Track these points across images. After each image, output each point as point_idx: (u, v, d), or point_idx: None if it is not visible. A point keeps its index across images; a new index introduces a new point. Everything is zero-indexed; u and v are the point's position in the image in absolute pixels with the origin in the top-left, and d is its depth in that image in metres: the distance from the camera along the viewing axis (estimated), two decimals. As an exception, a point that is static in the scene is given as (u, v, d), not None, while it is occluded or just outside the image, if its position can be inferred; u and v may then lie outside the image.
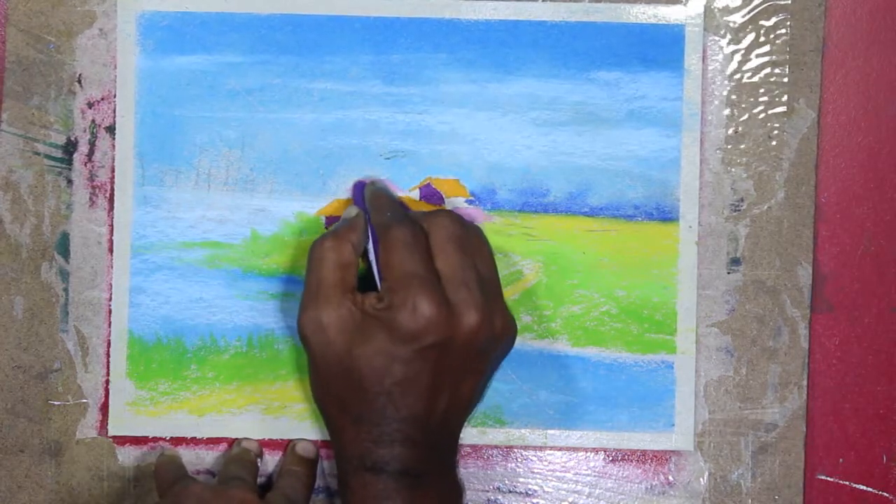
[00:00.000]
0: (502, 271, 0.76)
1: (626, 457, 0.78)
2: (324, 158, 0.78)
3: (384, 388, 0.68)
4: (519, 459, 0.78)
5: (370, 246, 0.72)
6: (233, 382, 0.77)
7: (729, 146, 0.77)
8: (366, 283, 0.72)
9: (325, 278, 0.70)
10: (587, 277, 0.78)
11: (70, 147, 0.78)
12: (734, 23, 0.77)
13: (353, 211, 0.74)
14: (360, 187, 0.76)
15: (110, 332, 0.77)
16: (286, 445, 0.77)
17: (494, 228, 0.77)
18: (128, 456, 0.78)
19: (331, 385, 0.69)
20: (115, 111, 0.77)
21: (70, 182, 0.78)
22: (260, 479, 0.77)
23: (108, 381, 0.78)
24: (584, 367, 0.77)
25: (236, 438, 0.77)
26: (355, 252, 0.71)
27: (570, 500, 0.78)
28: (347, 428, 0.69)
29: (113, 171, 0.78)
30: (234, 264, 0.78)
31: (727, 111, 0.77)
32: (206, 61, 0.77)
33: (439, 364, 0.68)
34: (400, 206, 0.75)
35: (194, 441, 0.78)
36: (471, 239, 0.71)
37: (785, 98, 0.77)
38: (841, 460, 0.78)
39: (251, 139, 0.78)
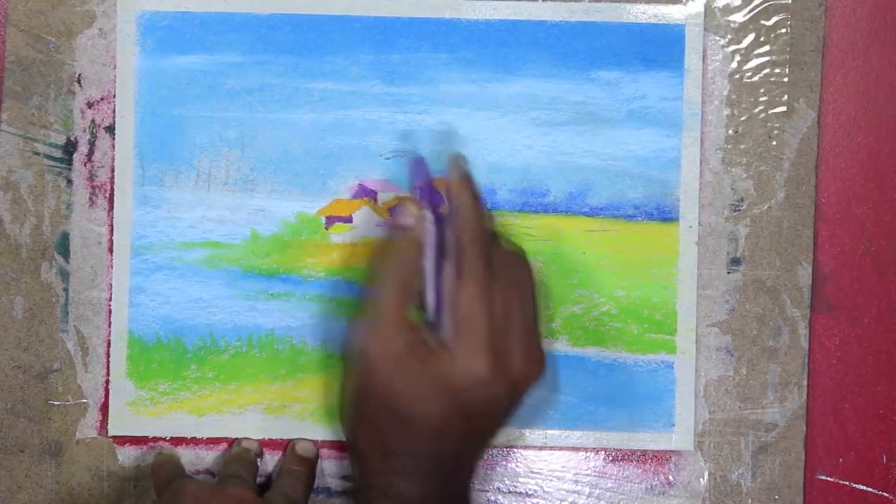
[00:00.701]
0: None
1: (626, 457, 0.78)
2: (324, 158, 0.78)
3: (421, 429, 0.67)
4: (519, 459, 0.78)
5: (429, 256, 0.69)
6: (233, 382, 0.77)
7: (729, 146, 0.77)
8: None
9: (386, 302, 0.67)
10: (587, 277, 0.78)
11: (70, 147, 0.78)
12: (734, 22, 0.77)
13: (413, 215, 0.70)
14: (418, 167, 0.72)
15: (110, 332, 0.77)
16: (286, 445, 0.77)
17: (494, 228, 0.77)
18: (128, 456, 0.78)
19: (365, 415, 0.68)
20: (114, 111, 0.77)
21: (70, 182, 0.77)
22: (259, 479, 0.77)
23: (108, 381, 0.78)
24: (584, 367, 0.77)
25: (236, 438, 0.77)
26: (416, 268, 0.69)
27: (570, 500, 0.78)
28: (375, 459, 0.68)
29: (113, 171, 0.77)
30: (234, 264, 0.78)
31: (727, 111, 0.77)
32: (205, 61, 0.77)
33: (478, 413, 0.67)
34: (491, 218, 0.71)
35: (194, 441, 0.78)
36: (533, 287, 0.69)
37: (785, 98, 0.77)
38: (841, 460, 0.78)
39: (251, 139, 0.78)
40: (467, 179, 0.71)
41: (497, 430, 0.70)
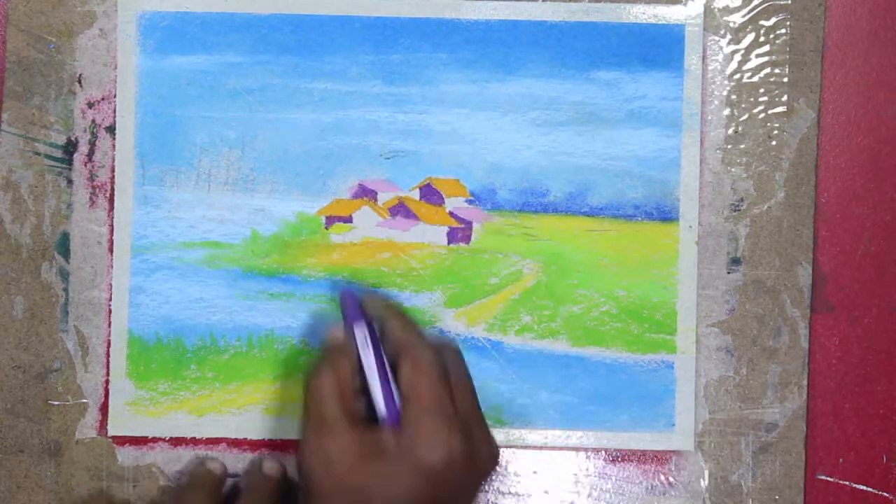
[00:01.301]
0: (502, 271, 0.76)
1: (627, 457, 0.78)
2: (324, 158, 0.78)
3: None
4: (519, 459, 0.78)
5: (369, 367, 0.69)
6: (233, 382, 0.77)
7: (729, 146, 0.77)
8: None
9: (328, 413, 0.67)
10: (587, 277, 0.78)
11: (70, 147, 0.78)
12: (734, 23, 0.77)
13: (340, 336, 0.70)
14: (349, 298, 0.72)
15: (110, 332, 0.77)
16: (250, 462, 0.77)
17: (494, 228, 0.77)
18: (127, 456, 0.78)
19: None
20: (115, 111, 0.77)
21: (70, 182, 0.78)
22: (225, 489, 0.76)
23: (107, 381, 0.77)
24: (584, 367, 0.77)
25: (198, 456, 0.77)
26: (353, 378, 0.69)
27: (570, 500, 0.78)
28: None
29: (113, 171, 0.78)
30: (234, 264, 0.78)
31: (727, 111, 0.77)
32: (206, 61, 0.77)
33: (449, 495, 0.67)
34: (411, 317, 0.72)
35: (194, 441, 0.78)
36: (468, 373, 0.71)
37: (785, 98, 0.77)
38: (841, 460, 0.78)
39: (251, 139, 0.78)
40: (383, 299, 0.74)
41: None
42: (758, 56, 0.77)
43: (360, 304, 0.72)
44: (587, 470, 0.78)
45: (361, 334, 0.70)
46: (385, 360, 0.69)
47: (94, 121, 0.78)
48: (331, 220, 0.78)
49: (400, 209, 0.78)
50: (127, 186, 0.77)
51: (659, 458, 0.78)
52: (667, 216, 0.77)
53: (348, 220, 0.77)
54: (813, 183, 0.77)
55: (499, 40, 0.77)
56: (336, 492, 0.66)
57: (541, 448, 0.78)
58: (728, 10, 0.77)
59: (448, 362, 0.69)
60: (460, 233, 0.78)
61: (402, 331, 0.70)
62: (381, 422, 0.68)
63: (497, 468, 0.72)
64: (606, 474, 0.78)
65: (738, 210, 0.77)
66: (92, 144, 0.78)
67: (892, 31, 0.78)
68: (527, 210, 0.78)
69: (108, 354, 0.77)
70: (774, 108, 0.77)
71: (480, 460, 0.68)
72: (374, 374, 0.69)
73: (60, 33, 0.77)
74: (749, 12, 0.77)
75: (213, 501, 0.74)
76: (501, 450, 0.77)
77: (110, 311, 0.77)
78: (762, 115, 0.77)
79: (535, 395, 0.77)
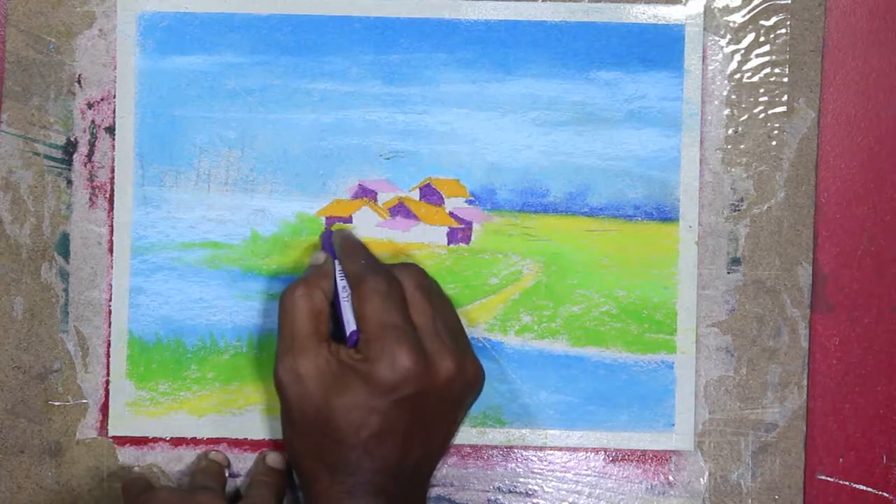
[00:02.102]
0: (502, 272, 0.76)
1: (626, 457, 0.78)
2: (324, 158, 0.78)
3: (360, 440, 0.68)
4: (519, 459, 0.78)
5: (339, 292, 0.71)
6: (233, 383, 0.77)
7: (729, 146, 0.77)
8: (335, 331, 0.72)
9: (299, 328, 0.69)
10: (587, 277, 0.78)
11: (70, 147, 0.78)
12: (734, 23, 0.77)
13: (322, 257, 0.73)
14: (328, 235, 0.75)
15: (110, 332, 0.77)
16: (257, 455, 0.77)
17: (494, 228, 0.77)
18: (128, 456, 0.78)
19: (306, 435, 0.69)
20: (114, 111, 0.77)
21: (70, 182, 0.77)
22: (229, 490, 0.77)
23: (108, 382, 0.78)
24: (584, 367, 0.77)
25: (203, 452, 0.77)
26: (326, 299, 0.71)
27: (570, 500, 0.78)
28: (322, 479, 0.68)
29: (113, 171, 0.77)
30: (234, 264, 0.78)
31: (727, 111, 0.77)
32: (205, 62, 0.77)
33: (415, 414, 0.68)
34: (372, 254, 0.74)
35: (194, 441, 0.78)
36: (436, 290, 0.72)
37: (785, 98, 0.77)
38: (841, 460, 0.78)
39: (251, 139, 0.78)
40: (342, 231, 0.76)
41: (440, 432, 0.70)
42: (758, 56, 0.77)
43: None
44: (587, 470, 0.78)
45: (338, 266, 0.72)
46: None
47: (93, 121, 0.78)
48: (331, 221, 0.78)
49: (400, 209, 0.78)
50: (126, 187, 0.77)
51: (659, 457, 0.78)
52: (667, 216, 0.77)
53: (348, 220, 0.77)
54: (813, 183, 0.77)
55: (498, 40, 0.77)
56: (305, 409, 0.69)
57: (541, 448, 0.78)
58: (728, 10, 0.77)
59: (405, 284, 0.70)
60: (460, 233, 0.78)
61: (351, 265, 0.72)
62: (348, 342, 0.70)
63: (476, 387, 0.71)
64: (606, 474, 0.78)
65: (738, 210, 0.77)
66: (91, 145, 0.78)
67: (892, 31, 0.78)
68: (527, 210, 0.78)
69: (108, 355, 0.78)
70: (774, 108, 0.77)
71: (445, 376, 0.69)
72: (343, 295, 0.71)
73: (60, 34, 0.77)
74: (749, 12, 0.77)
75: (219, 486, 0.75)
76: (502, 449, 0.78)
77: (110, 312, 0.77)
78: (762, 115, 0.77)
79: (535, 395, 0.77)
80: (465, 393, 0.71)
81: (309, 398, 0.68)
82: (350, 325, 0.70)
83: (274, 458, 0.76)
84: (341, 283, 0.72)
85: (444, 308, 0.72)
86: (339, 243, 0.74)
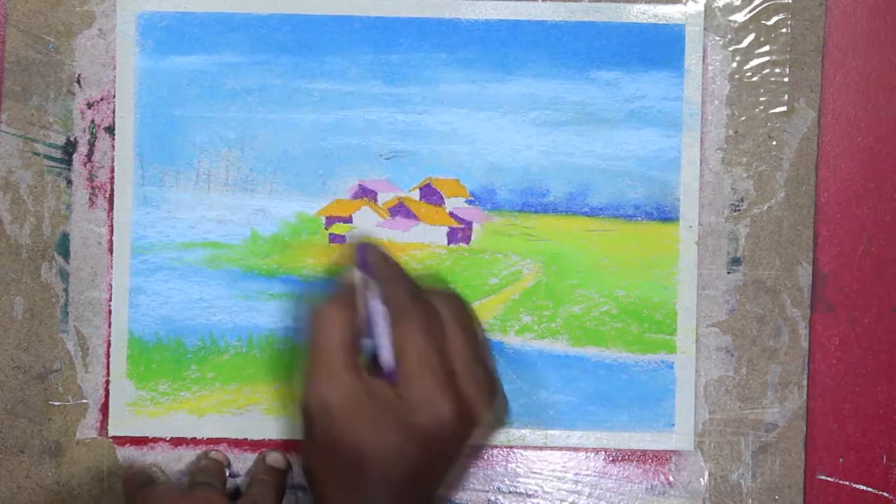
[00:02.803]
0: (502, 272, 0.76)
1: (626, 457, 0.78)
2: (324, 158, 0.78)
3: (388, 477, 0.66)
4: (519, 459, 0.78)
5: (373, 315, 0.69)
6: (233, 383, 0.77)
7: (729, 146, 0.77)
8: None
9: (332, 354, 0.67)
10: (587, 277, 0.78)
11: (69, 147, 0.77)
12: (734, 22, 0.77)
13: (357, 276, 0.71)
14: (363, 250, 0.72)
15: (110, 332, 0.77)
16: (257, 455, 0.77)
17: (494, 228, 0.77)
18: (128, 456, 0.78)
19: (330, 462, 0.67)
20: (114, 111, 0.77)
21: (70, 182, 0.77)
22: (229, 487, 0.77)
23: (108, 382, 0.78)
24: (584, 367, 0.77)
25: (203, 451, 0.77)
26: (361, 322, 0.69)
27: (570, 500, 0.78)
28: (337, 501, 0.67)
29: (113, 171, 0.77)
30: (234, 264, 0.78)
31: (727, 111, 0.77)
32: (205, 61, 0.77)
33: (444, 457, 0.68)
34: (412, 280, 0.71)
35: (194, 441, 0.78)
36: (471, 319, 0.71)
37: (785, 98, 0.77)
38: (841, 460, 0.78)
39: (251, 139, 0.77)
40: (379, 250, 0.72)
41: (461, 466, 0.70)
42: (758, 56, 0.77)
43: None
44: (587, 470, 0.78)
45: (374, 285, 0.70)
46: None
47: (93, 121, 0.77)
48: (331, 221, 0.78)
49: (400, 209, 0.78)
50: (126, 187, 0.77)
51: (659, 457, 0.78)
52: (667, 216, 0.77)
53: (348, 220, 0.77)
54: (813, 183, 0.77)
55: (498, 40, 0.77)
56: (332, 439, 0.66)
57: (541, 448, 0.78)
58: (728, 10, 0.77)
59: (445, 319, 0.69)
60: (460, 233, 0.78)
61: (393, 294, 0.69)
62: (383, 372, 0.68)
63: (504, 425, 0.72)
64: (606, 474, 0.78)
65: (738, 210, 0.77)
66: (91, 145, 0.78)
67: (892, 31, 0.78)
68: (527, 210, 0.77)
69: (108, 355, 0.78)
70: (774, 108, 0.77)
71: (479, 423, 0.68)
72: (382, 323, 0.69)
73: (59, 33, 0.77)
74: (749, 12, 0.77)
75: (219, 483, 0.75)
76: (502, 449, 0.78)
77: (110, 312, 0.77)
78: (762, 115, 0.77)
79: (535, 395, 0.77)
80: (493, 431, 0.71)
81: (337, 429, 0.66)
82: (386, 352, 0.68)
83: (274, 458, 0.76)
84: (377, 305, 0.69)
85: (476, 341, 0.70)
86: (378, 264, 0.71)
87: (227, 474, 0.77)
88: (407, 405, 0.66)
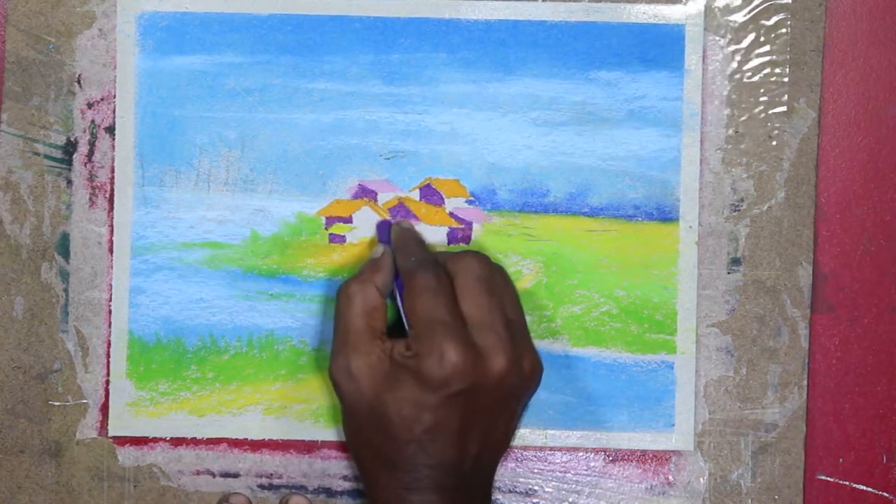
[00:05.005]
0: (502, 271, 0.76)
1: (626, 457, 0.78)
2: (324, 158, 0.78)
3: (414, 435, 0.67)
4: (519, 459, 0.78)
5: (399, 286, 0.72)
6: (233, 383, 0.77)
7: (729, 146, 0.77)
8: (398, 324, 0.72)
9: (352, 325, 0.70)
10: (587, 277, 0.78)
11: (70, 147, 0.78)
12: (734, 22, 0.77)
13: (379, 250, 0.73)
14: (385, 226, 0.75)
15: (110, 332, 0.77)
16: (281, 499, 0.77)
17: (494, 228, 0.77)
18: (128, 456, 0.78)
19: (363, 432, 0.69)
20: (114, 111, 0.77)
21: (70, 182, 0.77)
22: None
23: (108, 382, 0.78)
24: (584, 367, 0.77)
25: (224, 495, 0.77)
26: (382, 294, 0.71)
27: (570, 500, 0.78)
28: (381, 475, 0.69)
29: (113, 171, 0.77)
30: (234, 264, 0.78)
31: (727, 111, 0.77)
32: (205, 61, 0.77)
33: (468, 409, 0.68)
34: (426, 248, 0.74)
35: (194, 441, 0.78)
36: (496, 280, 0.71)
37: (785, 98, 0.77)
38: (841, 460, 0.78)
39: (251, 139, 0.78)
40: (401, 222, 0.76)
41: (498, 427, 0.70)
42: (758, 56, 0.77)
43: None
44: (587, 470, 0.78)
45: (391, 258, 0.73)
46: None
47: (93, 121, 0.78)
48: (331, 221, 0.78)
49: (400, 210, 0.78)
50: (126, 187, 0.77)
51: (659, 457, 0.78)
52: (667, 216, 0.77)
53: (348, 220, 0.77)
54: (813, 183, 0.77)
55: (498, 40, 0.77)
56: (359, 406, 0.69)
57: (541, 448, 0.78)
58: (728, 10, 0.77)
59: (461, 275, 0.70)
60: (460, 233, 0.78)
61: (403, 260, 0.72)
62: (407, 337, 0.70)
63: (533, 382, 0.71)
64: (606, 474, 0.78)
65: (738, 210, 0.77)
66: (91, 145, 0.78)
67: (892, 31, 0.78)
68: (527, 210, 0.78)
69: (108, 355, 0.78)
70: (775, 108, 0.77)
71: (497, 371, 0.68)
72: (398, 289, 0.72)
73: (60, 33, 0.77)
74: (749, 12, 0.77)
75: None
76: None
77: (110, 312, 0.77)
78: (762, 115, 0.77)
79: (535, 395, 0.77)
80: (521, 387, 0.70)
81: (362, 395, 0.69)
82: (404, 317, 0.71)
83: (298, 501, 0.76)
84: (395, 274, 0.72)
85: (502, 299, 0.71)
86: (394, 237, 0.74)
87: None
88: (417, 358, 0.67)
